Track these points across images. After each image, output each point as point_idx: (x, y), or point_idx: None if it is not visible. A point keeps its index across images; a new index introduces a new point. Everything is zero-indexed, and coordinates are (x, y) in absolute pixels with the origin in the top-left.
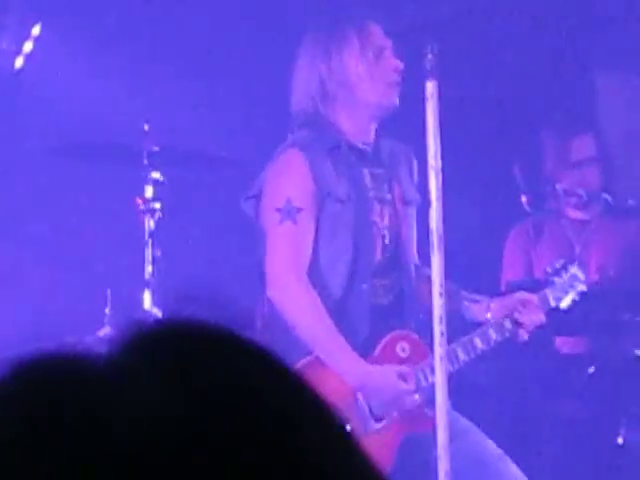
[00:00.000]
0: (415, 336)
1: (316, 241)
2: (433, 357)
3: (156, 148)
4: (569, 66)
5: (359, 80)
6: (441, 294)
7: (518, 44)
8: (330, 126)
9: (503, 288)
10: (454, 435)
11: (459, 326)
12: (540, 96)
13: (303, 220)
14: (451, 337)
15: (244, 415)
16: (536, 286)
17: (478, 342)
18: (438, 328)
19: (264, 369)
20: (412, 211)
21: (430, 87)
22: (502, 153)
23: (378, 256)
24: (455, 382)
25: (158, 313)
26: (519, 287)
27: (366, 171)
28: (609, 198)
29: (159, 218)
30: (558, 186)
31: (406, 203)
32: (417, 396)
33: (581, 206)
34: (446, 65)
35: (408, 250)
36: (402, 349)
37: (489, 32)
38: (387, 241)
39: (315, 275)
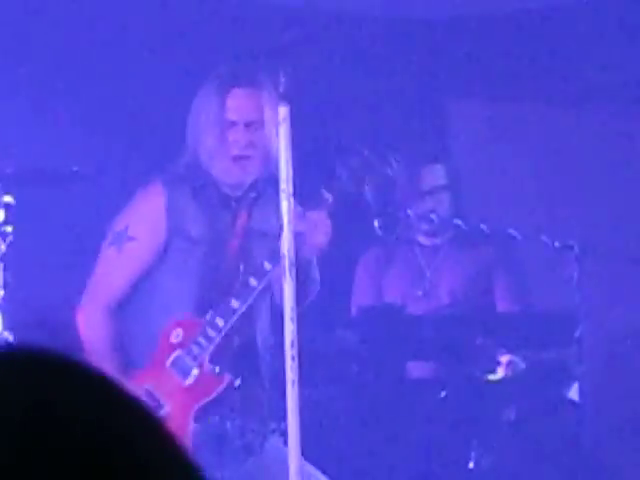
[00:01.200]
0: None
1: (152, 274)
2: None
3: (8, 170)
4: (418, 93)
5: (208, 155)
6: (292, 319)
7: (369, 68)
8: (198, 166)
9: (354, 313)
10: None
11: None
12: (392, 122)
13: (130, 250)
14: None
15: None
16: (387, 311)
17: (234, 303)
18: (290, 353)
19: (107, 400)
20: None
21: (282, 112)
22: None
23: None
24: (305, 403)
25: (9, 337)
26: (370, 312)
27: (226, 214)
28: (460, 223)
29: (10, 242)
30: (409, 211)
31: (260, 236)
32: (195, 370)
33: (432, 232)
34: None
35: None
36: (176, 335)
37: (342, 54)
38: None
39: (141, 306)
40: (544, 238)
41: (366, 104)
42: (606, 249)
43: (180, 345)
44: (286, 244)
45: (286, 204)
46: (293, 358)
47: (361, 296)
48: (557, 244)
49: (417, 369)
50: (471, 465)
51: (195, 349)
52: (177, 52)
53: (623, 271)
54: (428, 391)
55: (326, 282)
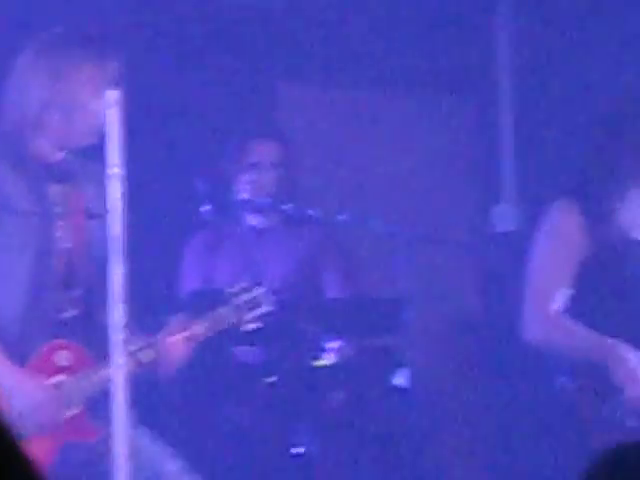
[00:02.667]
0: (78, 346)
1: None
2: (102, 366)
3: None
4: (248, 76)
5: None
6: (123, 301)
7: (202, 51)
8: (20, 141)
9: (183, 298)
10: (133, 450)
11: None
12: (224, 104)
13: None
14: None
15: None
16: (217, 296)
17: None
18: (116, 337)
19: None
20: (98, 224)
21: (112, 95)
22: (185, 161)
23: (60, 270)
24: (131, 392)
25: None
26: (199, 297)
27: (53, 186)
28: (289, 208)
29: None
30: (239, 195)
31: (90, 217)
32: (80, 405)
33: (261, 215)
34: (134, 73)
35: (90, 264)
36: (63, 358)
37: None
38: (70, 256)
39: None
40: (373, 225)
41: (198, 89)
42: (433, 235)
43: (67, 370)
44: (117, 227)
45: (116, 188)
46: (119, 343)
47: (189, 281)
48: (386, 230)
49: (245, 354)
50: (299, 450)
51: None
52: None
53: (450, 257)
54: (256, 376)
55: (157, 268)
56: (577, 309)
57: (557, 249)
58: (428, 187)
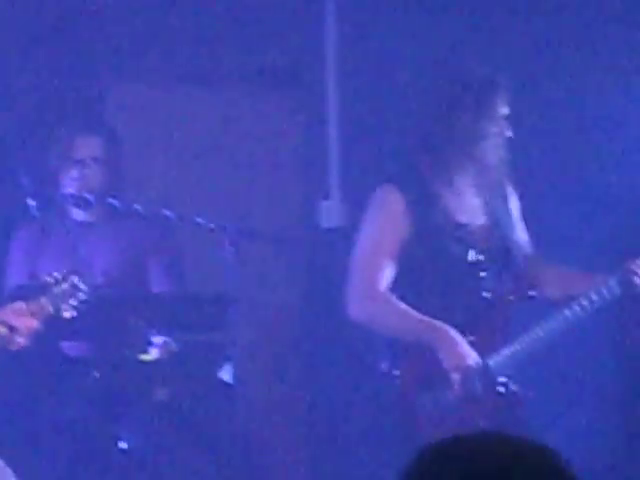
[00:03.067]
0: None
1: None
2: None
3: None
4: (75, 72)
5: None
6: None
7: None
8: None
9: (7, 293)
10: None
11: None
12: (50, 100)
13: None
14: None
15: None
16: (42, 290)
17: None
18: None
19: None
20: None
21: None
22: (10, 157)
23: None
24: None
25: None
26: (24, 291)
27: None
28: (115, 202)
29: None
30: (64, 189)
31: None
32: None
33: (86, 209)
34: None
35: None
36: None
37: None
38: None
39: None
40: (199, 220)
41: (24, 84)
42: (260, 231)
43: None
44: None
45: None
46: None
47: (16, 275)
48: (212, 226)
49: (72, 348)
50: (123, 445)
51: None
52: None
53: (277, 253)
54: (82, 371)
55: None
56: (402, 290)
57: (381, 230)
58: (255, 183)
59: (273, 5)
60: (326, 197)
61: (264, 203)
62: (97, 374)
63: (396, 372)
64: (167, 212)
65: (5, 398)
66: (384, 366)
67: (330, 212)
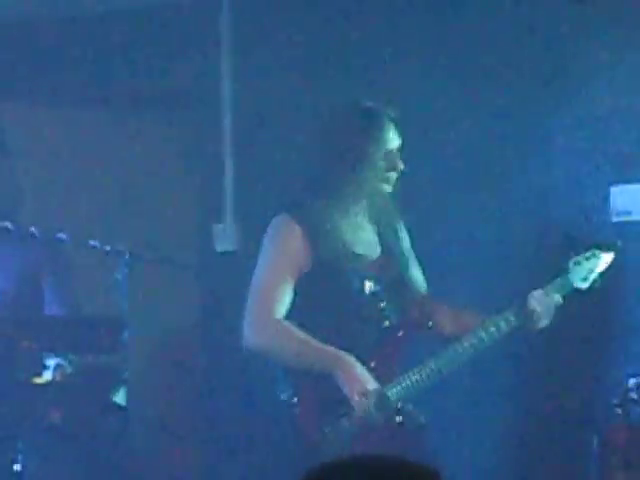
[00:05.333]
0: None
1: None
2: None
3: None
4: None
5: None
6: None
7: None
8: None
9: None
10: None
11: None
12: None
13: None
14: None
15: None
16: None
17: None
18: None
19: None
20: None
21: None
22: None
23: None
24: None
25: None
26: None
27: None
28: (9, 224)
29: None
30: None
31: None
32: None
33: None
34: None
35: None
36: None
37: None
38: None
39: None
40: (93, 242)
41: None
42: (153, 255)
43: None
44: None
45: None
46: None
47: None
48: (107, 248)
49: None
50: (18, 467)
51: None
52: None
53: (171, 276)
54: None
55: None
56: (300, 319)
57: (278, 260)
58: (149, 206)
59: (172, 27)
60: (220, 220)
61: (159, 226)
62: None
63: (295, 400)
64: (61, 235)
65: None
66: (283, 394)
67: (224, 235)
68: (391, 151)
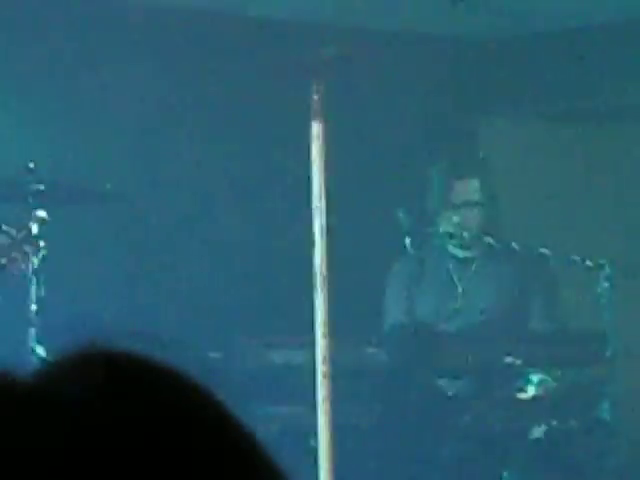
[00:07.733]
0: None
1: None
2: None
3: (41, 187)
4: (454, 109)
5: None
6: (324, 335)
7: (404, 85)
8: None
9: (385, 330)
10: None
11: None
12: (426, 139)
13: None
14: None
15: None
16: (419, 328)
17: None
18: (321, 369)
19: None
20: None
21: (316, 128)
22: (387, 194)
23: None
24: (336, 420)
25: (42, 351)
26: (401, 328)
27: None
28: (491, 240)
29: (43, 256)
30: (442, 227)
31: None
32: None
33: (463, 245)
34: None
35: None
36: None
37: (377, 72)
38: None
39: None
40: (575, 257)
41: (395, 122)
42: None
43: None
44: (318, 260)
45: (318, 220)
46: (325, 375)
47: (392, 312)
48: (589, 263)
49: (447, 386)
50: None
51: None
52: None
53: None
54: (457, 409)
55: (360, 299)
56: None
57: None
58: (631, 218)
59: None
60: None
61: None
62: (471, 413)
63: None
64: (543, 250)
65: (380, 438)
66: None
67: None
68: None
